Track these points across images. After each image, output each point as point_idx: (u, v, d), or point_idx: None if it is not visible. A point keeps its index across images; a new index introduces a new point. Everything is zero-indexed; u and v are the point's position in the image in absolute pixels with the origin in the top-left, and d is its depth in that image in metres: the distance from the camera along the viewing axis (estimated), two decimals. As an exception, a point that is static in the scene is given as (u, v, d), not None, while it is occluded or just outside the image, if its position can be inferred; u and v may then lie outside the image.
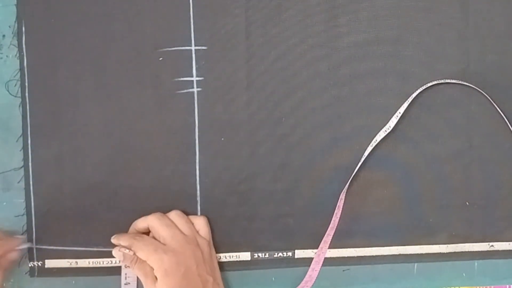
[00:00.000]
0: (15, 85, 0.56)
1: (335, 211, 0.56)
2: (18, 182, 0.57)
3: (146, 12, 0.57)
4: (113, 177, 0.57)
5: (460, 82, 0.57)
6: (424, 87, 0.57)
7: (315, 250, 0.57)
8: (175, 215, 0.55)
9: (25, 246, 0.55)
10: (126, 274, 0.56)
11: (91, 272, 0.57)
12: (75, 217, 0.57)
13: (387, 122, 0.57)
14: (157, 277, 0.52)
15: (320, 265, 0.56)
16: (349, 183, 0.57)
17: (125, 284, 0.56)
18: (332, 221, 0.56)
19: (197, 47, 0.57)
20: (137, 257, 0.52)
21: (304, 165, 0.58)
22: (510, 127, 0.57)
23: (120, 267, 0.56)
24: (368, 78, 0.57)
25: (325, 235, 0.56)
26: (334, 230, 0.56)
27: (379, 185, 0.58)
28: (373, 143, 0.57)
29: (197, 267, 0.52)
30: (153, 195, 0.57)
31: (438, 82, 0.57)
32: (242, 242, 0.58)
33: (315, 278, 0.56)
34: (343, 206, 0.57)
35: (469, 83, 0.57)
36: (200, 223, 0.56)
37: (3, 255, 0.53)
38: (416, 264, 0.59)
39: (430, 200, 0.58)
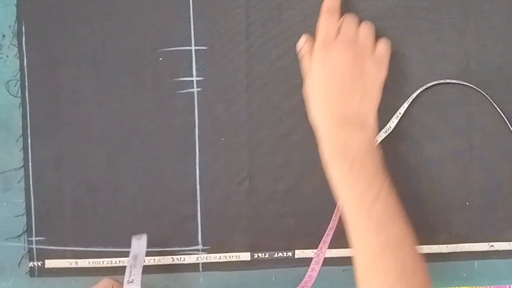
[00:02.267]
0: (15, 85, 0.56)
1: (335, 211, 0.56)
2: (18, 182, 0.57)
3: (146, 12, 0.57)
4: (113, 177, 0.57)
5: (460, 82, 0.57)
6: (424, 87, 0.57)
7: (315, 250, 0.57)
8: (365, 25, 0.54)
9: None
10: (131, 272, 0.54)
11: (91, 272, 0.57)
12: (75, 217, 0.57)
13: (387, 123, 0.57)
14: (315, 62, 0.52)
15: (320, 265, 0.56)
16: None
17: (129, 282, 0.55)
18: (331, 221, 0.56)
19: (197, 47, 0.57)
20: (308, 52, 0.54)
21: (304, 165, 0.58)
22: (510, 127, 0.57)
23: (120, 267, 0.56)
24: (368, 78, 0.57)
25: (325, 235, 0.56)
26: (334, 230, 0.56)
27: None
28: None
29: (349, 73, 0.51)
30: (153, 195, 0.57)
31: (438, 82, 0.57)
32: (242, 242, 0.58)
33: (315, 278, 0.55)
34: (343, 206, 0.57)
35: (469, 83, 0.57)
36: (381, 52, 0.54)
37: None
38: (416, 264, 0.59)
39: (430, 200, 0.58)
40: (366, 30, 0.54)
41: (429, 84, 0.57)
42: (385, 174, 0.51)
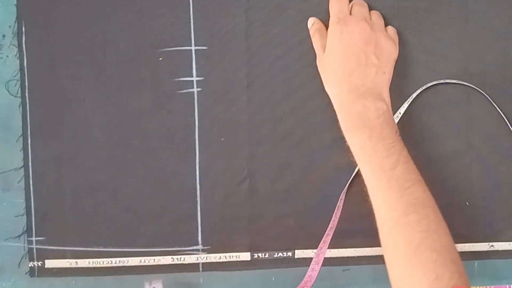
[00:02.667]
0: (15, 85, 0.56)
1: (335, 211, 0.56)
2: (18, 182, 0.57)
3: (146, 12, 0.57)
4: (113, 177, 0.57)
5: (460, 82, 0.57)
6: (424, 87, 0.57)
7: (315, 250, 0.57)
8: (374, 12, 0.56)
9: None
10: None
11: (91, 272, 0.57)
12: (75, 217, 0.57)
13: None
14: (324, 46, 0.54)
15: (320, 265, 0.56)
16: (349, 183, 0.57)
17: None
18: (331, 221, 0.56)
19: (197, 47, 0.57)
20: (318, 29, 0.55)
21: (304, 165, 0.58)
22: (510, 127, 0.57)
23: (120, 268, 0.56)
24: (368, 78, 0.57)
25: (325, 235, 0.56)
26: (334, 230, 0.56)
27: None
28: None
29: (365, 45, 0.53)
30: (153, 195, 0.57)
31: (438, 82, 0.57)
32: (242, 242, 0.58)
33: (315, 278, 0.55)
34: (343, 206, 0.57)
35: (469, 83, 0.57)
36: (386, 49, 0.55)
37: None
38: (416, 264, 0.59)
39: (430, 200, 0.58)
40: (376, 13, 0.56)
41: (429, 84, 0.57)
42: (402, 142, 0.52)
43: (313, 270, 0.56)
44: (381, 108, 0.52)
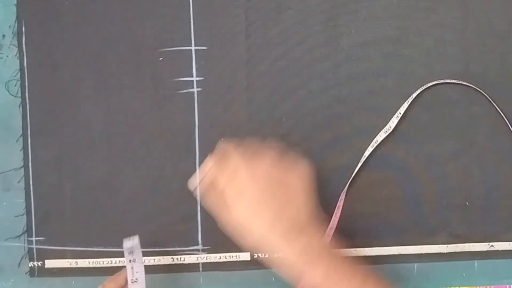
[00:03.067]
0: (15, 85, 0.56)
1: (335, 211, 0.56)
2: (18, 182, 0.57)
3: (146, 12, 0.57)
4: (113, 177, 0.57)
5: (460, 82, 0.57)
6: (424, 87, 0.57)
7: (315, 250, 0.57)
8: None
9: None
10: (132, 268, 0.54)
11: (91, 272, 0.57)
12: (75, 217, 0.57)
13: (387, 123, 0.57)
14: (231, 198, 0.48)
15: None
16: (349, 183, 0.57)
17: (133, 281, 0.54)
18: (331, 221, 0.56)
19: (197, 47, 0.57)
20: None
21: (304, 165, 0.58)
22: (510, 127, 0.57)
23: (120, 268, 0.56)
24: (368, 78, 0.57)
25: (325, 235, 0.56)
26: (334, 230, 0.56)
27: (379, 185, 0.58)
28: (374, 143, 0.57)
29: (279, 181, 0.49)
30: (153, 195, 0.57)
31: (438, 82, 0.57)
32: (242, 242, 0.58)
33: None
34: (343, 206, 0.57)
35: (469, 83, 0.57)
36: (300, 171, 0.51)
37: None
38: (416, 264, 0.59)
39: (430, 200, 0.58)
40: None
41: (429, 84, 0.57)
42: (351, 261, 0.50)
43: None
44: (320, 232, 0.50)
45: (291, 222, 0.49)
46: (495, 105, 0.57)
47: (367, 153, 0.56)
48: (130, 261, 0.54)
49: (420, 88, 0.57)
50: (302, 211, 0.50)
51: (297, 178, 0.51)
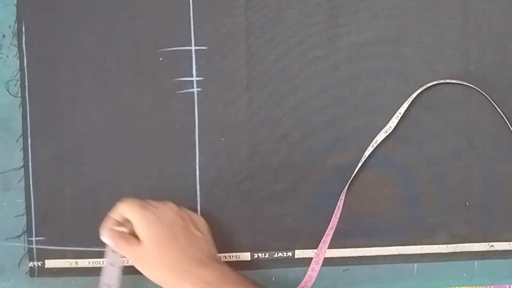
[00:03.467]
0: (15, 85, 0.56)
1: (335, 211, 0.56)
2: (18, 182, 0.57)
3: (146, 12, 0.57)
4: (113, 177, 0.57)
5: (460, 82, 0.57)
6: (424, 87, 0.57)
7: (315, 250, 0.57)
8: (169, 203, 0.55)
9: None
10: (109, 272, 0.54)
11: (91, 272, 0.57)
12: (75, 217, 0.57)
13: (388, 123, 0.57)
14: (141, 234, 0.51)
15: (320, 265, 0.56)
16: (349, 183, 0.57)
17: (107, 286, 0.54)
18: (331, 221, 0.56)
19: (197, 47, 0.57)
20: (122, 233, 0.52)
21: (304, 165, 0.58)
22: (510, 127, 0.57)
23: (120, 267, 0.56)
24: (368, 78, 0.57)
25: (325, 235, 0.56)
26: (334, 230, 0.56)
27: (379, 185, 0.58)
28: (374, 144, 0.57)
29: (184, 223, 0.53)
30: (153, 195, 0.57)
31: (438, 82, 0.57)
32: (242, 242, 0.58)
33: (315, 278, 0.55)
34: (343, 206, 0.57)
35: (469, 83, 0.57)
36: (199, 220, 0.55)
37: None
38: (416, 264, 0.59)
39: (430, 200, 0.58)
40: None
41: (429, 84, 0.57)
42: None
43: (313, 270, 0.56)
44: (226, 267, 0.53)
45: (199, 254, 0.52)
46: (495, 105, 0.57)
47: (367, 153, 0.57)
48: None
49: (420, 88, 0.57)
50: (204, 252, 0.53)
51: (197, 227, 0.54)
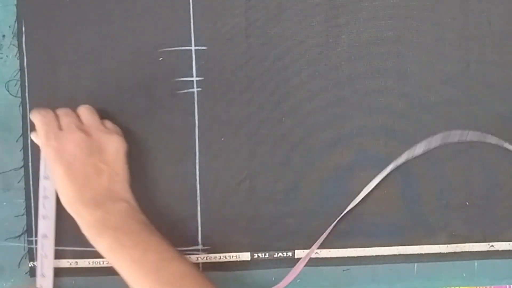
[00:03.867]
0: (15, 85, 0.56)
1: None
2: (18, 182, 0.57)
3: (146, 12, 0.57)
4: (113, 177, 0.57)
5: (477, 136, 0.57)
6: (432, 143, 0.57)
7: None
8: (83, 108, 0.54)
9: None
10: (44, 186, 0.55)
11: (91, 272, 0.57)
12: (75, 217, 0.57)
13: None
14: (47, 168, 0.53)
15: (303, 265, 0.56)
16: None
17: (44, 197, 0.55)
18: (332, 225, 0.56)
19: (197, 47, 0.57)
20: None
21: (304, 165, 0.58)
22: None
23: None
24: (368, 78, 0.57)
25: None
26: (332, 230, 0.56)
27: (379, 185, 0.58)
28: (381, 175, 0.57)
29: (88, 156, 0.51)
30: (153, 195, 0.57)
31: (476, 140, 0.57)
32: (242, 242, 0.58)
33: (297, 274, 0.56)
34: (343, 206, 0.57)
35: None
36: (111, 148, 0.53)
37: None
38: (416, 264, 0.59)
39: (430, 200, 0.58)
40: (86, 110, 0.53)
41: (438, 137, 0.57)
42: (150, 228, 0.51)
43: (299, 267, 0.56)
44: (123, 207, 0.51)
45: (93, 193, 0.51)
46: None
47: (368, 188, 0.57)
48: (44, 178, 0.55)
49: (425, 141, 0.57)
50: (98, 191, 0.51)
51: (103, 159, 0.52)
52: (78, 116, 0.53)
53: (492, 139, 0.56)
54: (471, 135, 0.56)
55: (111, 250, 0.50)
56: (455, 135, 0.56)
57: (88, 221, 0.50)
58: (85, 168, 0.51)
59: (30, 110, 0.56)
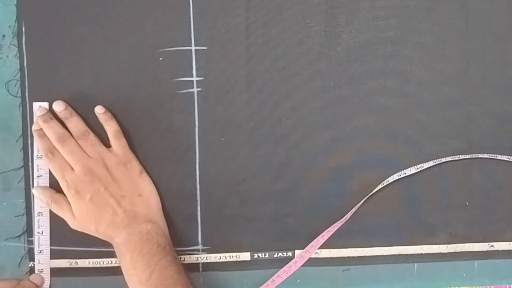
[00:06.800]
0: (15, 85, 0.56)
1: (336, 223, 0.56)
2: (18, 182, 0.57)
3: (146, 12, 0.57)
4: (113, 177, 0.57)
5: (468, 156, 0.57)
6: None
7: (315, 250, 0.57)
8: (86, 143, 0.55)
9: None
10: (38, 166, 0.56)
11: (91, 272, 0.57)
12: (75, 217, 0.57)
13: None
14: (70, 202, 0.54)
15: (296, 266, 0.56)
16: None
17: (38, 176, 0.56)
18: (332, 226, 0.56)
19: (197, 47, 0.57)
20: (52, 196, 0.55)
21: (304, 165, 0.58)
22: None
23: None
24: (368, 78, 0.57)
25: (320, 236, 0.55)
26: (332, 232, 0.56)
27: (379, 185, 0.58)
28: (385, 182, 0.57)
29: (106, 188, 0.54)
30: (153, 195, 0.57)
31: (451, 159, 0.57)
32: (242, 242, 0.58)
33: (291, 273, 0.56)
34: (342, 206, 0.57)
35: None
36: (114, 143, 0.56)
37: None
38: (416, 264, 0.59)
39: (430, 200, 0.58)
40: (87, 142, 0.55)
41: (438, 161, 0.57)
42: (166, 250, 0.53)
43: (290, 268, 0.56)
44: (145, 229, 0.54)
45: (120, 217, 0.54)
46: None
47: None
48: (38, 157, 0.56)
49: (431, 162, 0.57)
50: (136, 203, 0.55)
51: (121, 182, 0.55)
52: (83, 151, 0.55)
53: (484, 155, 0.57)
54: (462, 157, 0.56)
55: (123, 268, 0.54)
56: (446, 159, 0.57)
57: (116, 243, 0.54)
58: (107, 200, 0.54)
59: (30, 110, 0.56)
